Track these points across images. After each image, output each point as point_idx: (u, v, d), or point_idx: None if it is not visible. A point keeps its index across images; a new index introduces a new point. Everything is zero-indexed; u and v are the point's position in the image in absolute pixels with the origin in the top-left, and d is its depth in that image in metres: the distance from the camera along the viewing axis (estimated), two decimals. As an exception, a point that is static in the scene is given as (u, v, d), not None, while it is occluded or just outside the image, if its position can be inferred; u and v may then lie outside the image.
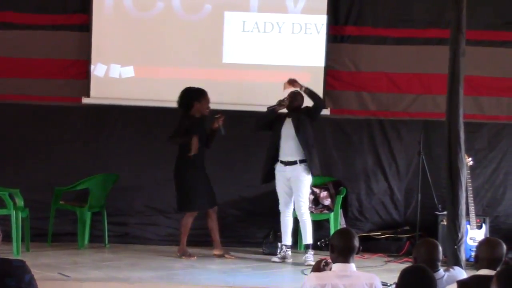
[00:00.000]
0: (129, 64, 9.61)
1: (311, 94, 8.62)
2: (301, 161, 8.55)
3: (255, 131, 8.92)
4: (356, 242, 4.85)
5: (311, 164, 8.54)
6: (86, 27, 9.60)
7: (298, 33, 9.63)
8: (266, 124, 8.73)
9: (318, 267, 4.98)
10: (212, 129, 8.70)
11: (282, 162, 8.62)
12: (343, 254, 4.80)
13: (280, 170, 8.64)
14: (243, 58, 9.65)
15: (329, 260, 4.94)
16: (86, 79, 9.59)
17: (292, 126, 8.59)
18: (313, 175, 8.62)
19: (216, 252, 8.76)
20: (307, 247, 8.60)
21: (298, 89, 8.63)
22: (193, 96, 8.68)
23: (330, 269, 4.86)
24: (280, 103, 8.64)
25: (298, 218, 8.63)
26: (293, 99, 8.65)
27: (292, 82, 8.65)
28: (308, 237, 8.59)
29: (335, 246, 4.83)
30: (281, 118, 8.69)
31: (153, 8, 9.61)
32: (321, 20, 9.58)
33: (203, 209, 8.73)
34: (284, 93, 8.70)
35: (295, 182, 8.56)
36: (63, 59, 9.66)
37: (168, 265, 8.26)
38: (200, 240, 9.29)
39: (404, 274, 4.41)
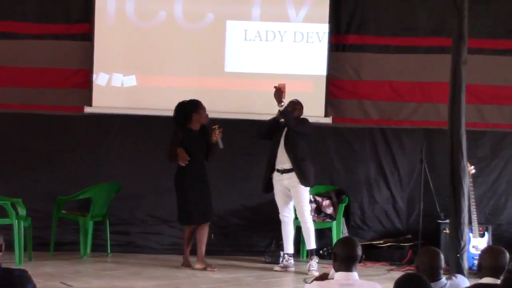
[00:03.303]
0: (131, 73, 9.62)
1: (284, 114, 8.51)
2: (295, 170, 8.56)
3: (257, 138, 8.94)
4: (359, 251, 4.84)
5: (301, 178, 8.51)
6: (88, 37, 9.62)
7: (300, 41, 9.64)
8: (266, 133, 8.74)
9: (322, 279, 4.97)
10: (211, 142, 8.61)
11: (278, 170, 8.62)
12: (346, 262, 4.79)
13: (278, 179, 8.64)
14: (245, 67, 9.66)
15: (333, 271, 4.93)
16: (88, 88, 9.59)
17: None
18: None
19: (198, 265, 8.58)
20: (311, 253, 8.59)
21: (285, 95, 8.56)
22: (190, 109, 8.62)
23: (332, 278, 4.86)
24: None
25: (301, 224, 8.62)
26: (293, 109, 8.63)
27: (282, 88, 8.54)
28: (311, 243, 8.58)
29: (338, 255, 4.82)
30: (282, 127, 8.69)
31: (155, 17, 9.62)
32: (323, 29, 9.59)
33: (198, 222, 8.65)
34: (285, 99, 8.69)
35: (294, 190, 8.57)
36: (65, 68, 9.68)
37: (171, 274, 8.25)
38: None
39: (398, 284, 4.39)
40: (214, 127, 8.58)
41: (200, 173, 8.60)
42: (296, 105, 8.72)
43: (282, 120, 8.62)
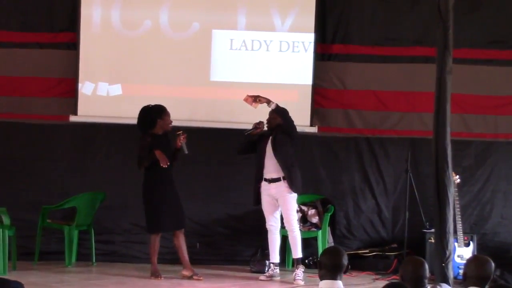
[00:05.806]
0: (117, 82, 9.61)
1: (279, 112, 8.56)
2: (285, 178, 8.54)
3: (238, 154, 8.93)
4: (345, 261, 4.85)
5: (291, 184, 8.50)
6: (73, 45, 9.61)
7: (286, 51, 9.66)
8: (246, 148, 8.73)
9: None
10: (176, 148, 8.54)
11: (266, 179, 8.61)
12: (331, 271, 4.80)
13: (265, 188, 8.62)
14: (230, 76, 9.66)
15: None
16: (73, 97, 9.58)
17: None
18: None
19: (185, 272, 8.53)
20: (297, 262, 8.57)
21: (266, 105, 8.56)
22: (155, 114, 8.52)
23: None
24: (256, 127, 8.62)
25: (288, 233, 8.60)
26: (272, 118, 8.62)
27: (254, 98, 8.59)
28: (298, 252, 8.56)
29: (323, 264, 4.83)
30: (266, 137, 8.67)
31: (141, 26, 9.62)
32: (309, 38, 9.61)
33: (167, 230, 8.60)
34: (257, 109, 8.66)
35: (282, 199, 8.55)
36: (50, 77, 9.67)
37: (155, 284, 8.22)
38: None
39: None
40: (178, 132, 8.52)
41: (169, 179, 8.49)
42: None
43: (266, 129, 8.64)
